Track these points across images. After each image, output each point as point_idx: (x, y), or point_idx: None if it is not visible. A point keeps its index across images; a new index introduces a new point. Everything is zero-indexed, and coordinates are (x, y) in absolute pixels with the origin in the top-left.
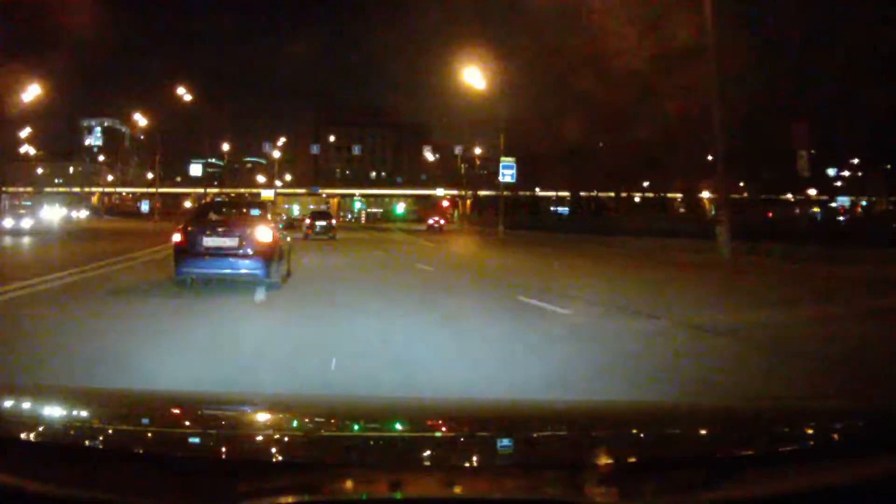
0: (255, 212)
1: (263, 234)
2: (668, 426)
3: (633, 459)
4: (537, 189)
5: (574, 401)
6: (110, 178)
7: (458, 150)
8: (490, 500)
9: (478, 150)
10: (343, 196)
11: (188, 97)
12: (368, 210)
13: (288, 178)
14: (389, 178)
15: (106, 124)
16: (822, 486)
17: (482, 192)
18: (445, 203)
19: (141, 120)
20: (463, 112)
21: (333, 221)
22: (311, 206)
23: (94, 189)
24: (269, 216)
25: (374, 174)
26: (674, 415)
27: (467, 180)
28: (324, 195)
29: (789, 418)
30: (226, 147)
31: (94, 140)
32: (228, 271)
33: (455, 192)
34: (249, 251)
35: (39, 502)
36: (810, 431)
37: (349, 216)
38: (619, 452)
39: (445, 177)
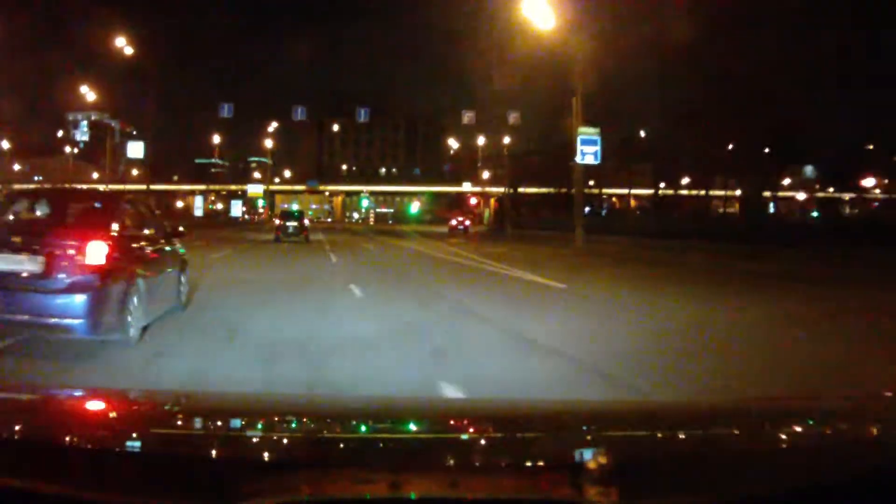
0: (89, 211)
1: (93, 251)
2: (668, 426)
3: (632, 459)
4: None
5: (573, 401)
6: (96, 175)
7: (481, 140)
8: (490, 501)
9: (507, 140)
10: (348, 193)
11: (183, 93)
12: (378, 210)
13: (287, 174)
14: (402, 174)
15: (93, 118)
16: (823, 486)
17: (529, 190)
18: (474, 200)
19: (89, 94)
20: (496, 96)
21: (306, 221)
22: (314, 206)
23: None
24: (113, 221)
25: (383, 170)
26: (674, 415)
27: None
28: (326, 193)
29: (789, 418)
30: (218, 140)
31: (80, 135)
32: (26, 318)
33: (480, 189)
34: (63, 282)
35: (39, 502)
36: (810, 431)
37: (356, 216)
38: (619, 452)
39: (469, 171)
